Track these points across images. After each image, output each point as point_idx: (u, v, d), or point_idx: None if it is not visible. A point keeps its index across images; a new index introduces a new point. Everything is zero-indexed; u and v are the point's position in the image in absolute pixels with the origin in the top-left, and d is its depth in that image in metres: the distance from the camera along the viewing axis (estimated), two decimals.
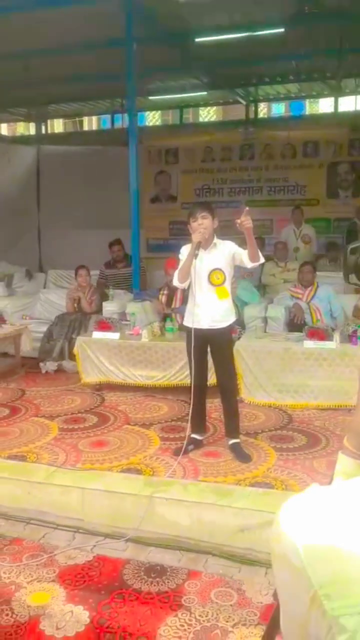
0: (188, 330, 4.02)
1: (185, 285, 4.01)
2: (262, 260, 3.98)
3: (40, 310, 7.35)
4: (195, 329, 3.95)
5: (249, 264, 3.94)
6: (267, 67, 9.48)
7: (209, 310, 3.96)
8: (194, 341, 3.94)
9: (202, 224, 3.86)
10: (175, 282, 4.05)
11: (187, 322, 4.06)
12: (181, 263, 3.97)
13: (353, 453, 0.78)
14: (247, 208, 3.80)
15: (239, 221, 3.71)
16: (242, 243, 3.98)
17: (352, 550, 0.56)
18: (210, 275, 3.94)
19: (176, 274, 4.01)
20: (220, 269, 3.95)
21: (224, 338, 4.07)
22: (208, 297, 3.96)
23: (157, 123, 16.76)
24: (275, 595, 1.24)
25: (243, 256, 3.88)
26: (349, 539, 0.57)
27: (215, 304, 3.97)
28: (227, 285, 4.00)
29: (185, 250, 4.00)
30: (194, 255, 3.83)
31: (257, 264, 3.98)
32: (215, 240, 3.99)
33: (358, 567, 0.55)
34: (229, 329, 4.13)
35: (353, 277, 0.86)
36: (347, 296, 6.39)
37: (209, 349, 4.11)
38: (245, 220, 3.69)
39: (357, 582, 0.55)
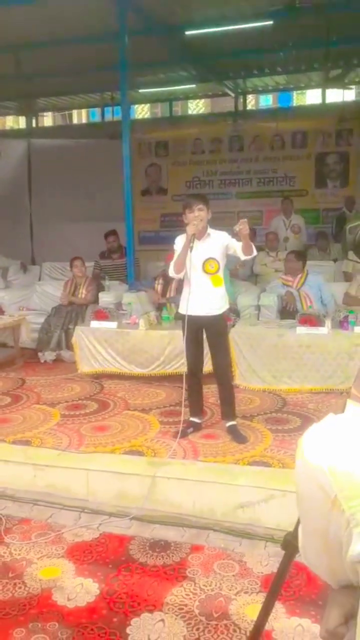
0: (183, 317, 4.16)
1: (180, 275, 4.15)
2: (255, 253, 4.16)
3: (37, 302, 7.45)
4: (191, 316, 4.08)
5: (243, 257, 4.12)
6: (255, 59, 9.58)
7: (203, 297, 4.09)
8: (189, 328, 4.08)
9: (198, 215, 3.99)
10: (171, 273, 4.18)
11: (182, 310, 4.19)
12: (176, 254, 4.11)
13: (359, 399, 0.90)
14: (245, 219, 3.97)
15: (236, 228, 3.91)
16: (234, 234, 4.12)
17: None
18: (205, 264, 4.08)
19: (172, 265, 4.14)
20: (214, 258, 4.09)
21: (219, 325, 4.21)
22: (203, 285, 4.09)
23: (146, 116, 16.82)
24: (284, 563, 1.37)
25: (237, 248, 4.05)
26: None
27: (209, 292, 4.11)
28: (221, 274, 4.14)
29: (180, 241, 4.13)
30: (189, 247, 3.97)
31: (250, 257, 4.17)
32: (209, 230, 4.12)
33: None
34: (224, 316, 4.27)
35: (351, 254, 0.98)
36: (337, 284, 6.55)
37: (204, 336, 4.24)
38: (243, 229, 3.88)
39: None
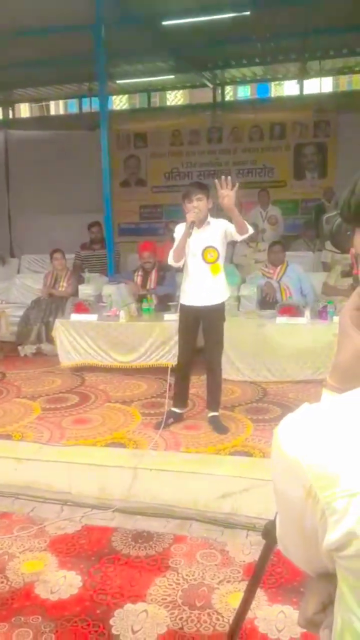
0: (182, 307, 4.14)
1: (180, 264, 4.10)
2: (251, 231, 4.07)
3: (16, 295, 7.39)
4: (190, 306, 4.08)
5: (239, 237, 4.05)
6: (233, 49, 9.55)
7: (203, 287, 4.08)
8: (186, 318, 4.07)
9: (197, 206, 3.96)
10: (170, 261, 4.14)
11: (183, 300, 4.18)
12: (176, 242, 4.07)
13: (334, 387, 0.91)
14: (236, 184, 3.87)
15: (221, 193, 3.80)
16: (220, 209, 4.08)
17: (341, 452, 0.70)
18: (204, 252, 4.05)
19: (171, 253, 4.10)
20: (213, 247, 4.06)
21: (217, 314, 4.18)
22: (202, 274, 4.07)
23: (124, 107, 16.70)
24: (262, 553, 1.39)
25: (232, 231, 4.00)
26: (337, 442, 0.71)
27: (209, 281, 4.08)
28: (221, 262, 4.12)
29: (180, 229, 4.10)
30: (188, 234, 3.94)
31: (246, 235, 4.06)
32: (209, 219, 4.10)
33: (346, 464, 0.69)
34: (223, 305, 4.24)
35: (329, 244, 0.99)
36: (317, 274, 6.59)
37: (200, 327, 4.23)
38: (225, 196, 3.79)
39: (345, 474, 0.69)
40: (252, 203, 9.30)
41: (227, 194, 3.81)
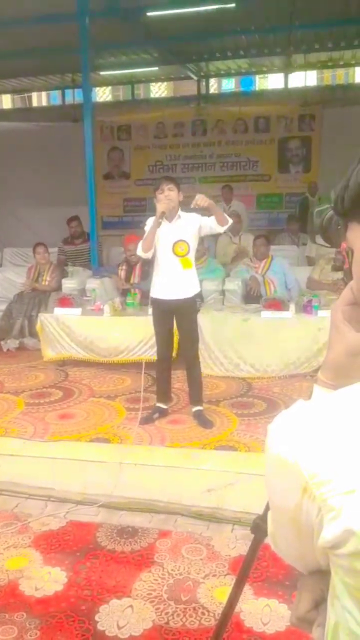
0: (154, 301, 4.13)
1: (149, 255, 4.10)
2: (230, 221, 4.12)
3: None
4: (162, 300, 4.07)
5: (220, 228, 4.08)
6: (218, 42, 9.52)
7: (173, 280, 4.08)
8: (159, 312, 4.06)
9: (167, 195, 3.98)
10: (139, 252, 4.14)
11: (153, 294, 4.17)
12: (146, 233, 4.06)
13: (326, 384, 0.90)
14: (201, 195, 3.96)
15: (193, 205, 3.91)
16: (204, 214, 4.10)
17: (336, 449, 0.69)
18: (175, 246, 4.05)
19: (140, 243, 4.10)
20: (184, 240, 4.06)
21: (189, 308, 4.20)
22: (172, 268, 4.08)
23: (108, 99, 16.59)
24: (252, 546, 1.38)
25: (211, 222, 4.02)
26: (332, 439, 0.70)
27: (179, 274, 4.09)
28: (191, 256, 4.12)
29: (150, 222, 4.10)
30: (157, 224, 3.94)
31: (227, 226, 4.11)
32: (180, 212, 4.10)
33: (342, 461, 0.68)
34: (194, 299, 4.25)
35: (319, 238, 0.98)
36: (301, 268, 6.60)
37: (174, 321, 4.23)
38: (199, 201, 3.88)
39: (341, 472, 0.68)
40: (237, 196, 9.28)
41: (199, 196, 3.89)
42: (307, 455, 0.70)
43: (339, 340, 0.87)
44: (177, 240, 4.06)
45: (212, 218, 4.01)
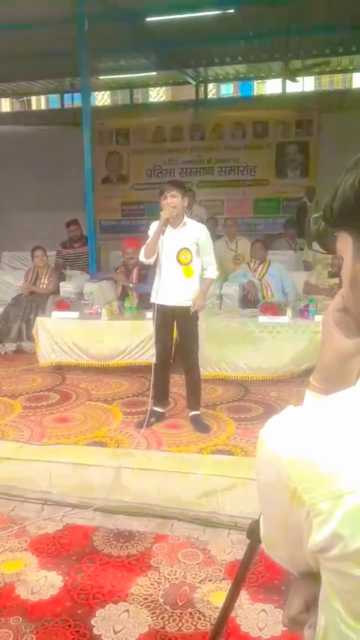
0: (156, 306, 4.14)
1: (151, 261, 4.10)
2: (215, 276, 4.36)
3: None
4: (162, 306, 4.07)
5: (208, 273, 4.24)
6: (216, 47, 9.55)
7: (175, 288, 4.07)
8: (160, 317, 4.06)
9: (170, 202, 3.95)
10: (142, 258, 4.14)
11: (153, 299, 4.17)
12: (149, 239, 4.06)
13: (317, 389, 0.91)
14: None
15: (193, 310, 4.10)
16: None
17: (325, 454, 0.70)
18: (179, 254, 4.05)
19: (143, 249, 4.10)
20: (188, 249, 4.06)
21: (189, 315, 4.18)
22: (175, 276, 4.07)
23: (106, 103, 16.63)
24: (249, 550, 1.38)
25: (203, 261, 4.16)
26: (321, 444, 0.71)
27: (181, 283, 4.08)
28: (194, 265, 4.12)
29: (154, 226, 4.08)
30: (161, 231, 3.93)
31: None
32: (185, 219, 4.09)
33: (331, 466, 0.69)
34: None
35: (316, 245, 0.99)
36: (298, 273, 6.62)
37: (174, 325, 4.23)
38: (198, 306, 4.10)
39: (329, 477, 0.69)
40: (235, 201, 9.32)
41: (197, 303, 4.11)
42: (296, 460, 0.71)
43: (329, 346, 0.89)
44: (182, 248, 4.05)
45: (207, 257, 4.17)
